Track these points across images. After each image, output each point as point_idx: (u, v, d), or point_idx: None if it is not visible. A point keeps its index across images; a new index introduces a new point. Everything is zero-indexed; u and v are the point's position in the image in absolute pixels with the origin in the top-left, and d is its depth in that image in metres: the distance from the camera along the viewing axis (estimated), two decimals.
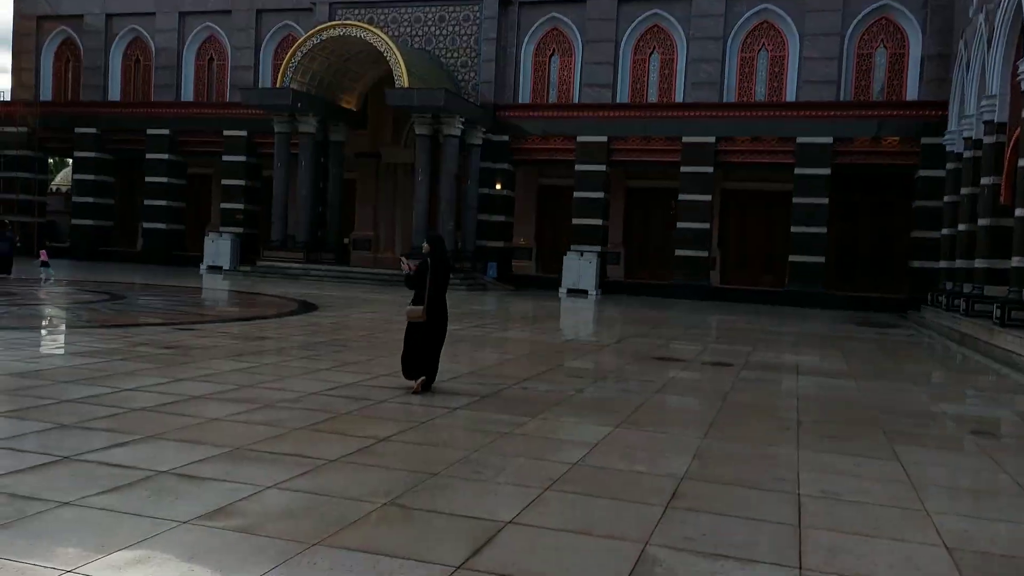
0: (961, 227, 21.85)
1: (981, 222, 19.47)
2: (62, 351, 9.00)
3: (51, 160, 47.02)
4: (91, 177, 34.47)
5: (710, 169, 27.86)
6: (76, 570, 3.36)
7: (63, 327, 11.61)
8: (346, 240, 32.91)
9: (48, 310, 13.79)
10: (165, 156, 33.47)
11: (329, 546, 3.75)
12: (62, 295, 17.26)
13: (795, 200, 27.10)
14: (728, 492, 4.99)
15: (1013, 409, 9.07)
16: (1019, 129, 16.98)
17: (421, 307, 7.44)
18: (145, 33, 34.15)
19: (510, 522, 4.20)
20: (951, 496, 5.30)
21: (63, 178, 47.44)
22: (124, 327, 11.46)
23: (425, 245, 7.70)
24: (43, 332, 10.88)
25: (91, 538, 3.72)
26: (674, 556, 3.88)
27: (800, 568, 3.82)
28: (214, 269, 30.17)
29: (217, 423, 5.98)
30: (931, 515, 4.73)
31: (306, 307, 16.54)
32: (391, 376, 8.09)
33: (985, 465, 6.13)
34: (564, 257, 28.36)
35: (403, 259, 8.12)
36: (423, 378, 7.46)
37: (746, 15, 27.74)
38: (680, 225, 28.19)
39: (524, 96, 30.14)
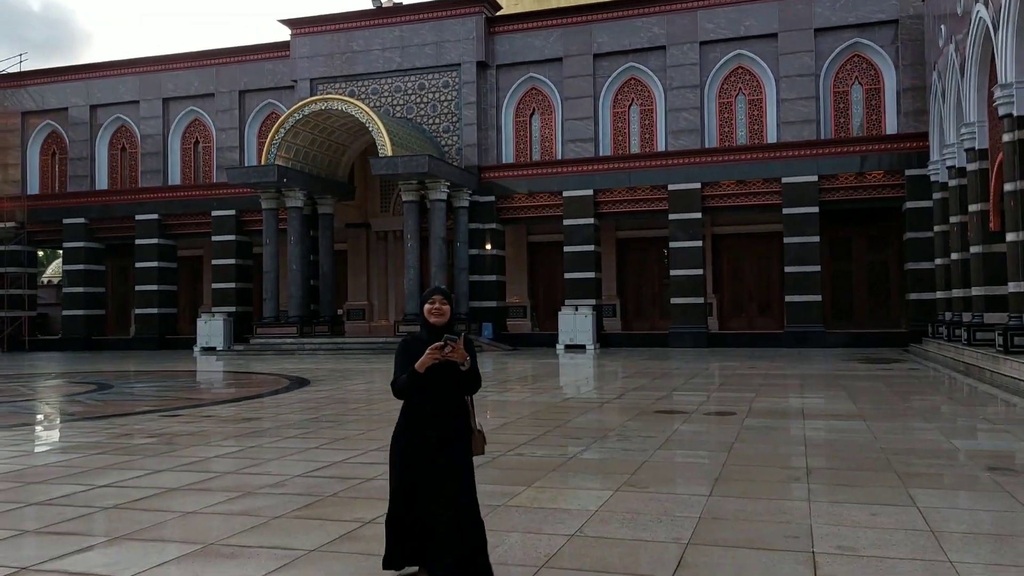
0: (954, 256, 21.72)
1: (974, 249, 19.34)
2: (37, 449, 8.65)
3: (41, 253, 47.09)
4: (81, 267, 34.41)
5: (698, 215, 27.88)
6: None
7: (42, 422, 11.25)
8: (340, 311, 32.72)
9: (28, 404, 13.43)
10: (155, 240, 33.48)
11: None
12: (47, 388, 16.91)
13: (786, 240, 27.06)
14: (738, 556, 4.65)
15: None
16: (1000, 154, 16.97)
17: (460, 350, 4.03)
18: (130, 121, 34.50)
19: None
20: (974, 542, 4.96)
21: (54, 270, 47.41)
22: (107, 418, 11.11)
23: (439, 304, 4.19)
24: (19, 429, 10.51)
25: None
26: None
27: None
28: (208, 350, 29.88)
29: (192, 517, 5.64)
30: (955, 565, 4.41)
31: (298, 383, 16.21)
32: (379, 451, 7.75)
33: (1006, 504, 5.79)
34: (559, 313, 28.17)
35: (452, 339, 4.00)
36: None
37: (721, 62, 28.12)
38: (673, 273, 28.08)
39: (507, 156, 30.33)
